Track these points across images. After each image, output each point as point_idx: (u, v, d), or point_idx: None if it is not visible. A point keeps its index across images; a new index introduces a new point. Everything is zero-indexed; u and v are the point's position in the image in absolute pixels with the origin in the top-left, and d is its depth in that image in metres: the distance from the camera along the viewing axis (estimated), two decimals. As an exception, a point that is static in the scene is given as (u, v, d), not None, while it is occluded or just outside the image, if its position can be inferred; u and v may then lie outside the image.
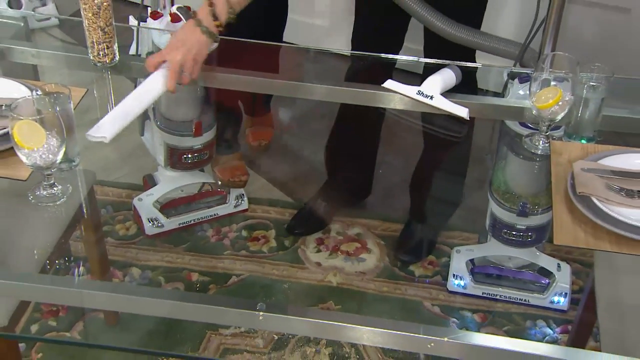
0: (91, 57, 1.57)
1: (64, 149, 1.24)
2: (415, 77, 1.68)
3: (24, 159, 1.22)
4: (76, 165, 1.37)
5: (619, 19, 2.37)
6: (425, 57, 1.89)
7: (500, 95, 1.64)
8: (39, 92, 1.35)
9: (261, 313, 1.13)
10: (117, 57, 1.59)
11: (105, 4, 1.50)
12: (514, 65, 1.68)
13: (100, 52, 1.56)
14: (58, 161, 1.25)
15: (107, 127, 1.38)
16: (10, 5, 2.72)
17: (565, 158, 1.33)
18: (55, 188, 1.31)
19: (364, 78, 1.73)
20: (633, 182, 1.25)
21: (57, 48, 1.80)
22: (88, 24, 1.52)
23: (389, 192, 2.21)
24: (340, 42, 2.16)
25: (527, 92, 1.53)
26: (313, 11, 2.78)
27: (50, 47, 1.76)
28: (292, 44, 2.69)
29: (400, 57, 1.78)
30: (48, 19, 2.81)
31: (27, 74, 1.64)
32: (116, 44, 1.57)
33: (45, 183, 1.31)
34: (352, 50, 1.97)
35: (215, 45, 1.53)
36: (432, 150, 2.03)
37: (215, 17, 1.47)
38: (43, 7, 2.83)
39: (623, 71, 2.19)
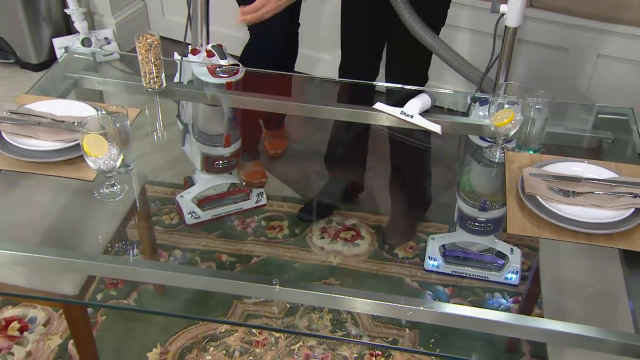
0: (144, 84, 1.57)
1: (122, 157, 1.24)
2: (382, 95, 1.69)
3: (90, 164, 1.23)
4: (131, 169, 1.37)
5: (559, 56, 2.37)
6: (386, 76, 1.90)
7: (465, 114, 1.63)
8: (103, 112, 1.35)
9: (277, 287, 1.13)
10: (164, 84, 1.59)
11: (155, 42, 1.50)
12: (475, 92, 1.67)
13: (151, 80, 1.56)
14: (117, 166, 1.25)
15: None
16: (83, 44, 2.74)
17: (517, 165, 1.33)
18: (115, 187, 1.31)
19: (351, 99, 1.72)
20: (569, 185, 1.24)
21: (118, 77, 1.78)
22: (142, 58, 1.52)
23: (378, 190, 2.20)
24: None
25: (487, 112, 1.53)
26: (319, 47, 2.76)
27: (112, 76, 1.75)
28: (301, 73, 2.70)
29: (381, 84, 1.78)
30: (111, 54, 2.77)
31: (95, 97, 1.65)
32: (163, 74, 1.57)
33: (107, 183, 1.31)
34: (339, 77, 1.97)
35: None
36: (408, 160, 2.02)
37: None
38: (108, 45, 2.84)
39: (561, 97, 2.20)
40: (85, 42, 2.74)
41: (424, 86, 1.88)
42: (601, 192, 1.22)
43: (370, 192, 2.24)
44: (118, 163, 1.24)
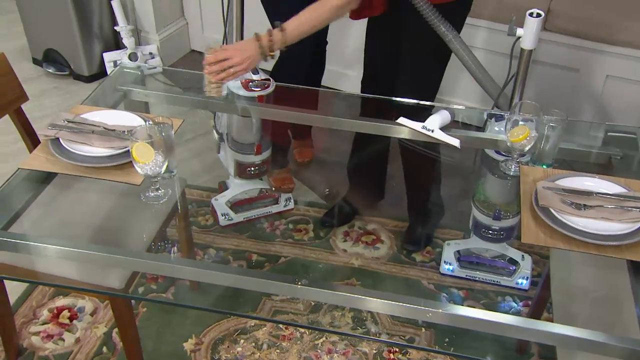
0: (207, 91, 1.54)
1: (166, 164, 1.25)
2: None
3: (138, 170, 1.24)
4: (174, 175, 1.38)
5: (570, 76, 2.34)
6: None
7: (481, 129, 1.62)
8: (150, 122, 1.36)
9: (300, 285, 1.12)
10: (226, 92, 1.57)
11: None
12: (492, 108, 1.68)
13: (214, 90, 1.53)
14: (162, 172, 1.26)
15: None
16: (130, 58, 2.77)
17: (531, 178, 1.31)
18: (159, 191, 1.33)
19: (372, 112, 1.71)
20: (581, 198, 1.23)
21: (161, 89, 1.81)
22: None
23: (398, 198, 2.19)
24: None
25: (502, 128, 1.53)
26: (345, 63, 2.75)
27: (156, 88, 1.78)
28: (328, 87, 2.71)
29: (401, 100, 1.77)
30: (155, 67, 2.81)
31: (141, 108, 1.66)
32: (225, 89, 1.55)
33: (152, 187, 1.32)
34: (360, 91, 1.95)
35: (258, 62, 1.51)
36: (427, 170, 2.00)
37: (271, 49, 1.46)
38: (152, 59, 2.87)
39: (572, 115, 2.18)
40: (132, 57, 2.77)
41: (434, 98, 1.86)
42: (611, 206, 1.21)
43: (390, 200, 2.23)
44: (163, 169, 1.25)
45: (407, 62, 1.74)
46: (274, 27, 1.49)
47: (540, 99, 2.41)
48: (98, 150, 1.32)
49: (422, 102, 1.70)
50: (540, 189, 1.25)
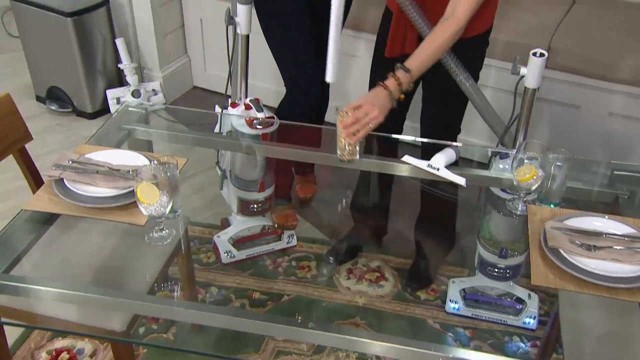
0: (339, 154, 1.46)
1: (171, 204, 1.24)
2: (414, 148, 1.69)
3: (142, 210, 1.23)
4: (178, 214, 1.37)
5: (571, 113, 2.35)
6: (421, 129, 1.88)
7: (484, 165, 1.62)
8: (155, 162, 1.36)
9: (306, 328, 1.11)
10: (358, 156, 1.46)
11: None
12: (497, 146, 1.68)
13: (347, 153, 1.46)
14: (167, 212, 1.25)
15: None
16: (133, 95, 2.77)
17: (539, 218, 1.30)
18: (164, 232, 1.31)
19: (378, 150, 1.71)
20: (590, 239, 1.22)
21: (164, 126, 1.80)
22: (339, 132, 1.43)
23: (401, 234, 2.17)
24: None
25: (507, 166, 1.53)
26: (347, 99, 2.73)
27: (159, 126, 1.77)
28: (331, 124, 2.70)
29: (408, 138, 1.78)
30: (158, 104, 2.82)
31: (145, 146, 1.66)
32: (358, 146, 1.45)
33: (156, 228, 1.30)
34: None
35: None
36: (431, 206, 1.99)
37: (400, 92, 1.43)
38: (155, 96, 2.88)
39: (574, 152, 2.18)
40: (135, 94, 2.77)
41: (456, 138, 1.86)
42: (621, 247, 1.19)
43: (394, 236, 2.21)
44: (167, 210, 1.24)
45: (434, 100, 1.74)
46: (393, 70, 1.46)
47: (542, 135, 2.45)
48: (102, 190, 1.31)
49: (426, 140, 1.71)
50: (549, 229, 1.24)
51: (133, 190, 1.22)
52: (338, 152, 1.45)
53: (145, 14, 2.80)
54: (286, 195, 2.27)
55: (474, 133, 2.47)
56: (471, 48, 1.63)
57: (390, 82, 1.44)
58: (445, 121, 1.85)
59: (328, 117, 2.36)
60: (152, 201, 1.20)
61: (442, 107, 1.82)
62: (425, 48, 1.48)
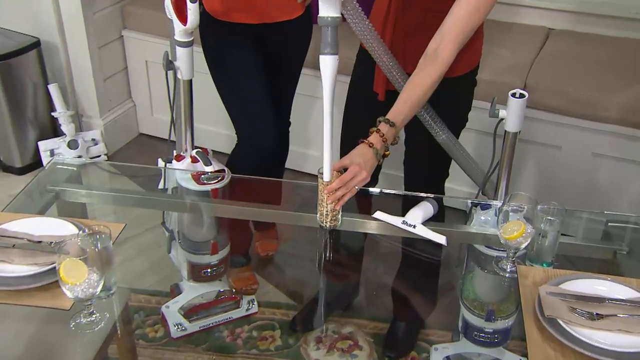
0: (319, 220, 1.49)
1: (102, 283, 1.14)
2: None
3: (67, 293, 1.12)
4: (112, 293, 1.26)
5: (553, 154, 2.35)
6: (405, 175, 1.85)
7: (464, 212, 1.60)
8: (86, 230, 1.25)
9: None
10: (340, 222, 1.49)
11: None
12: (476, 196, 1.65)
13: (330, 219, 1.47)
14: (97, 293, 1.14)
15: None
16: (69, 146, 2.69)
17: (531, 281, 1.24)
18: (94, 316, 1.19)
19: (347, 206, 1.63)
20: (593, 306, 1.15)
21: (104, 182, 1.75)
22: (321, 197, 1.43)
23: (375, 295, 2.09)
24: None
25: (489, 217, 1.50)
26: (308, 144, 2.73)
27: (98, 184, 1.70)
28: (292, 169, 2.67)
29: (374, 190, 1.74)
30: (99, 156, 2.78)
31: (78, 210, 1.58)
32: (340, 213, 1.46)
33: (85, 312, 1.19)
34: None
35: None
36: (409, 266, 1.92)
37: (386, 149, 1.41)
38: (95, 147, 2.81)
39: (557, 196, 2.16)
40: (72, 145, 2.69)
41: (444, 184, 1.84)
42: (625, 315, 1.12)
43: (368, 297, 2.12)
44: (98, 289, 1.14)
45: (418, 144, 1.72)
46: (372, 120, 1.43)
47: (524, 180, 2.43)
48: (19, 268, 1.20)
49: (402, 193, 1.70)
50: (544, 295, 1.17)
51: (55, 266, 1.11)
52: (318, 217, 1.45)
53: (83, 56, 2.75)
54: (244, 253, 2.17)
55: (455, 177, 2.44)
56: (458, 88, 1.60)
57: (374, 138, 1.40)
58: (432, 166, 1.82)
59: (288, 163, 2.32)
60: (78, 280, 1.10)
61: (428, 151, 1.77)
62: (408, 97, 1.44)
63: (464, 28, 1.41)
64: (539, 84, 2.28)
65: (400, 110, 1.42)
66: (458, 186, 2.43)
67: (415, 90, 1.43)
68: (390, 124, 1.40)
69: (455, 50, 1.43)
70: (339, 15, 1.28)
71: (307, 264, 2.25)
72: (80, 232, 1.26)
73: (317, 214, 1.46)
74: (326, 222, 1.45)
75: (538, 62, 2.39)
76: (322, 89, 1.32)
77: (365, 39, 1.51)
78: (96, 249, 1.14)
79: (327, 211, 1.42)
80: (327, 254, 2.07)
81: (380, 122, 1.41)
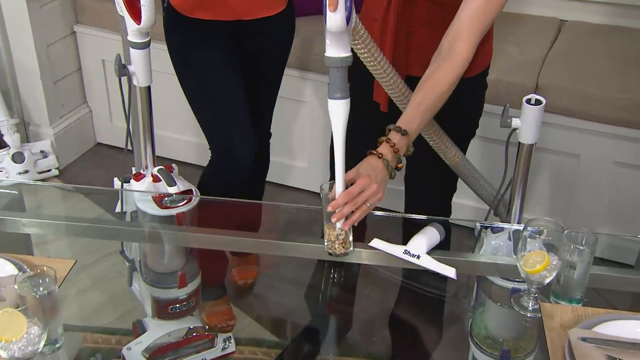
0: (327, 248, 1.41)
1: (45, 338, 1.07)
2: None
3: (1, 353, 1.05)
4: (59, 347, 1.19)
5: (570, 163, 2.34)
6: (406, 192, 1.84)
7: (470, 228, 1.60)
8: (28, 270, 1.20)
9: None
10: (352, 247, 1.41)
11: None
12: (486, 218, 1.63)
13: (339, 245, 1.39)
14: (39, 350, 1.07)
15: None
16: (14, 160, 2.66)
17: (558, 322, 1.19)
18: (36, 376, 1.13)
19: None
20: (634, 354, 1.10)
21: (49, 215, 1.69)
22: (328, 224, 1.37)
23: (369, 329, 2.04)
24: (316, 180, 2.08)
25: (501, 242, 1.48)
26: (290, 154, 2.72)
27: (41, 215, 1.65)
28: (274, 183, 2.67)
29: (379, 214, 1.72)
30: (49, 170, 2.75)
31: (20, 243, 1.54)
32: (351, 236, 1.39)
33: (24, 372, 1.11)
34: None
35: None
36: (409, 296, 1.90)
37: (399, 160, 1.35)
38: (44, 159, 2.78)
39: (577, 210, 2.12)
40: (17, 158, 2.66)
41: (451, 200, 1.81)
42: (672, 363, 1.06)
43: (363, 332, 2.07)
44: (40, 345, 1.07)
45: (422, 158, 1.67)
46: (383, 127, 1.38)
47: (539, 194, 2.43)
48: None
49: (400, 215, 1.66)
50: (576, 340, 1.12)
51: (-12, 320, 1.04)
52: (326, 244, 1.39)
53: (28, 56, 2.72)
54: (219, 283, 2.12)
55: (461, 190, 2.43)
56: (469, 91, 1.57)
57: (384, 148, 1.34)
58: (438, 179, 1.79)
59: (271, 177, 2.32)
60: (15, 337, 1.04)
61: (432, 161, 1.74)
62: (422, 100, 1.38)
63: (481, 20, 1.38)
64: (552, 83, 2.26)
65: (413, 116, 1.37)
66: (464, 200, 2.39)
67: (430, 92, 1.38)
68: (402, 132, 1.35)
69: (474, 46, 1.40)
70: (349, 54, 1.21)
71: (292, 293, 2.20)
72: (21, 273, 1.20)
73: (324, 240, 1.39)
74: (334, 248, 1.37)
75: (550, 58, 2.37)
76: (333, 133, 1.27)
77: (376, 72, 1.48)
78: (37, 296, 1.09)
79: (334, 235, 1.35)
80: (317, 282, 2.03)
81: (390, 130, 1.36)
